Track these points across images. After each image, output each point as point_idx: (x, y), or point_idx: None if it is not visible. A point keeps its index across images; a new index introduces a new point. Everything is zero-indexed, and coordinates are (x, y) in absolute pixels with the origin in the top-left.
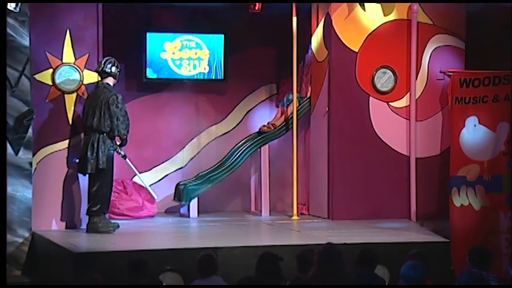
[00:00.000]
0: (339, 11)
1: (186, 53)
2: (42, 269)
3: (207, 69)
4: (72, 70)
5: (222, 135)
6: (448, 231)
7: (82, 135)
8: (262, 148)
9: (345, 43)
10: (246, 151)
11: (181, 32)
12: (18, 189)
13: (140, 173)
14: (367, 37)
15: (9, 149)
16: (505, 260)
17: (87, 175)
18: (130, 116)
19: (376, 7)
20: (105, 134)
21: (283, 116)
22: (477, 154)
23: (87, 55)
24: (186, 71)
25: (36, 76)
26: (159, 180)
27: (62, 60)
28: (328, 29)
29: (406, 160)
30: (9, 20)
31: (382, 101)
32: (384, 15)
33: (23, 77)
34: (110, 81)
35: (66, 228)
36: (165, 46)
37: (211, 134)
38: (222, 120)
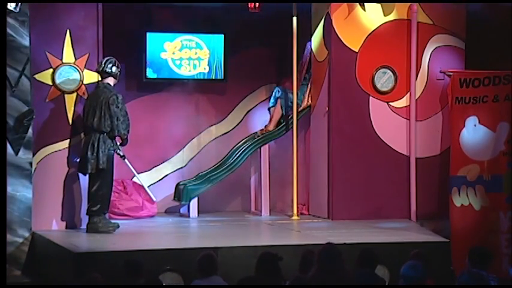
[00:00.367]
0: (339, 11)
1: (186, 53)
2: (42, 269)
3: (207, 69)
4: (72, 70)
5: (222, 135)
6: (448, 231)
7: (82, 135)
8: (262, 148)
9: (345, 43)
10: (246, 151)
11: (181, 32)
12: (18, 189)
13: (140, 173)
14: (367, 37)
15: (9, 149)
16: (505, 260)
17: (87, 175)
18: (130, 116)
19: (376, 7)
20: (105, 134)
21: (273, 119)
22: (477, 154)
23: (87, 55)
24: (186, 71)
25: (36, 76)
26: (159, 180)
27: (62, 60)
28: (328, 29)
29: (406, 160)
30: (9, 20)
31: (382, 101)
32: (384, 15)
33: (23, 77)
34: (111, 81)
35: (66, 228)
36: (165, 46)
37: (211, 134)
38: (222, 120)
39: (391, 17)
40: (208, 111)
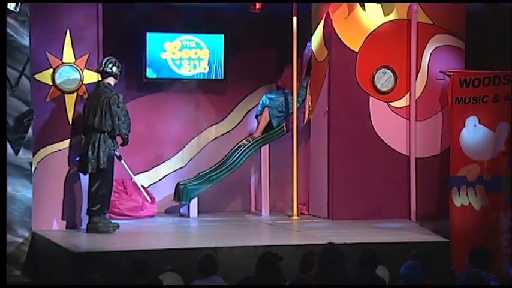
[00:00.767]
0: (339, 11)
1: (186, 53)
2: (42, 269)
3: (207, 69)
4: (72, 70)
5: (222, 135)
6: (448, 231)
7: (82, 135)
8: (262, 148)
9: (345, 43)
10: (246, 151)
11: (181, 32)
12: (18, 189)
13: (140, 173)
14: (367, 37)
15: (9, 149)
16: (505, 260)
17: (87, 175)
18: (130, 116)
19: (376, 7)
20: (106, 134)
21: (260, 126)
22: (477, 154)
23: (87, 55)
24: (186, 71)
25: (36, 76)
26: (159, 180)
27: (62, 60)
28: (328, 29)
29: (406, 160)
30: (9, 20)
31: (382, 101)
32: (384, 15)
33: (23, 77)
34: (111, 81)
35: (66, 228)
36: (165, 46)
37: (211, 134)
38: (222, 120)
39: (391, 17)
40: (208, 111)
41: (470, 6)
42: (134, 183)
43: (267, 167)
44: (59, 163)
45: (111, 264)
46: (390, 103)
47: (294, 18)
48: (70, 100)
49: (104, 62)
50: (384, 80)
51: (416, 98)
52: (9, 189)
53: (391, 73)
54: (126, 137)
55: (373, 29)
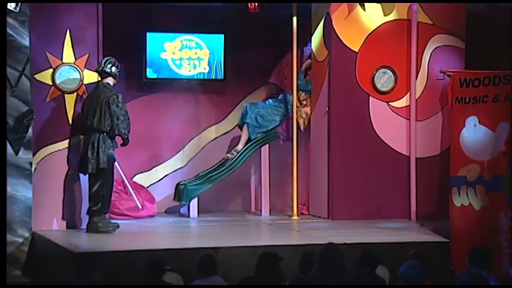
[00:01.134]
0: (339, 11)
1: (186, 53)
2: (42, 269)
3: (207, 69)
4: (72, 70)
5: (222, 135)
6: (448, 231)
7: (80, 135)
8: (262, 148)
9: (345, 43)
10: (246, 151)
11: (181, 32)
12: (18, 189)
13: (140, 173)
14: (367, 37)
15: (9, 149)
16: (505, 260)
17: (87, 175)
18: (130, 116)
19: (376, 7)
20: (105, 134)
21: (242, 140)
22: (477, 154)
23: (87, 55)
24: (186, 71)
25: (36, 76)
26: (159, 180)
27: (62, 60)
28: (328, 29)
29: (406, 160)
30: (9, 20)
31: (382, 101)
32: (384, 15)
33: (23, 77)
34: (110, 81)
35: (67, 228)
36: (165, 46)
37: (211, 134)
38: (222, 120)
39: (391, 17)
40: (208, 111)
41: (470, 6)
42: (134, 183)
43: (267, 167)
44: (59, 163)
45: (111, 265)
46: (390, 103)
47: (294, 18)
48: (70, 100)
49: (103, 62)
50: (384, 80)
51: (416, 98)
52: (9, 189)
53: (391, 73)
54: (126, 136)
55: (373, 29)
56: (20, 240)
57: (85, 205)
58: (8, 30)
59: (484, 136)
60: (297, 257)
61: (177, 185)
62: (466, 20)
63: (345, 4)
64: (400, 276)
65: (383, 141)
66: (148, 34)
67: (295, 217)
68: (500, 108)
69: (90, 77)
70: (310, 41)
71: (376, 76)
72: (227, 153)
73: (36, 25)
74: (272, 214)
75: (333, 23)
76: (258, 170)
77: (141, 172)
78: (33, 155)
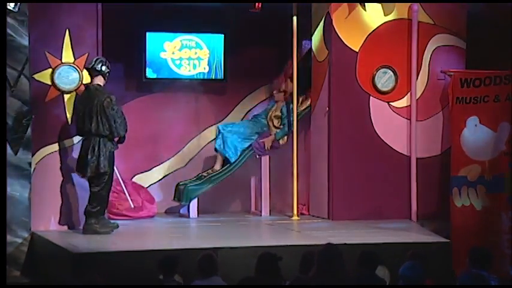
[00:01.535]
0: (339, 10)
1: (185, 53)
2: (42, 270)
3: (207, 69)
4: (71, 70)
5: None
6: (448, 232)
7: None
8: None
9: (345, 43)
10: (246, 151)
11: (181, 32)
12: (17, 189)
13: (140, 173)
14: (367, 37)
15: (8, 149)
16: (506, 261)
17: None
18: (129, 116)
19: (376, 6)
20: (105, 137)
21: (218, 160)
22: (478, 154)
23: (86, 55)
24: (185, 71)
25: (35, 76)
26: (159, 181)
27: (61, 60)
28: (329, 29)
29: (406, 160)
30: (9, 20)
31: (382, 100)
32: (384, 15)
33: (22, 76)
34: (100, 81)
35: (66, 228)
36: (165, 46)
37: (211, 134)
38: (222, 120)
39: (392, 16)
40: (208, 111)
41: (471, 5)
42: (134, 184)
43: (267, 167)
44: (58, 163)
45: (110, 265)
46: (391, 103)
47: (294, 18)
48: (69, 100)
49: (94, 60)
50: (385, 79)
51: (417, 98)
52: (8, 189)
53: (391, 73)
54: (123, 135)
55: (373, 28)
56: (19, 240)
57: (84, 205)
58: (7, 30)
59: (484, 136)
60: (296, 257)
61: (177, 185)
62: (466, 20)
63: (345, 4)
64: (400, 277)
65: (383, 141)
66: (147, 34)
67: (295, 217)
68: (501, 108)
69: (90, 77)
70: (310, 38)
71: (376, 76)
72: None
73: (35, 25)
74: (272, 214)
75: (333, 23)
76: (258, 170)
77: (141, 172)
78: (32, 155)
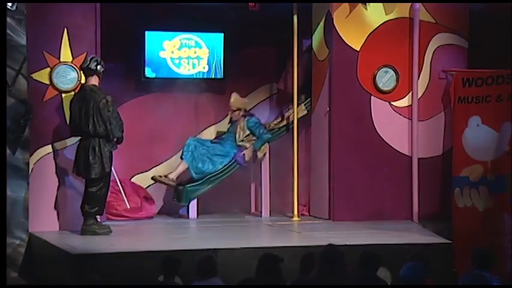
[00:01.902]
0: (340, 9)
1: (185, 52)
2: (39, 271)
3: (207, 68)
4: (69, 69)
5: (222, 135)
6: (450, 233)
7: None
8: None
9: (346, 42)
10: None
11: (181, 31)
12: (15, 190)
13: (139, 173)
14: (368, 36)
15: (7, 149)
16: (508, 262)
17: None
18: (128, 116)
19: (377, 5)
20: (103, 138)
21: (177, 171)
22: (480, 154)
23: (85, 54)
24: (185, 70)
25: (33, 75)
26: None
27: (59, 59)
28: (329, 28)
29: (408, 160)
30: (6, 19)
31: (383, 100)
32: (386, 14)
33: (19, 76)
34: (95, 81)
35: (64, 229)
36: (164, 45)
37: (211, 134)
38: (221, 120)
39: (393, 15)
40: (207, 111)
41: (473, 4)
42: (133, 184)
43: (267, 168)
44: (56, 163)
45: (108, 266)
46: (392, 103)
47: (295, 17)
48: (67, 100)
49: (89, 59)
50: (386, 79)
51: (418, 97)
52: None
53: (393, 72)
54: (118, 136)
55: (374, 27)
56: (17, 241)
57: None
58: None
59: (487, 136)
60: (297, 258)
61: (177, 185)
62: (468, 19)
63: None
64: (401, 278)
65: (385, 141)
66: (146, 33)
67: (295, 218)
68: (503, 108)
69: (84, 76)
70: (311, 37)
71: (377, 75)
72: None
73: (33, 24)
74: (272, 215)
75: (334, 22)
76: (258, 170)
77: (140, 172)
78: (30, 155)
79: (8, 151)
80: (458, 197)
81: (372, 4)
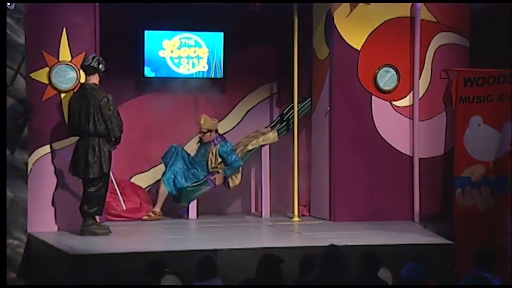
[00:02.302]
0: (340, 8)
1: (184, 51)
2: (38, 272)
3: (206, 67)
4: (68, 69)
5: (222, 135)
6: (452, 233)
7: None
8: (262, 148)
9: (347, 41)
10: (246, 152)
11: (180, 30)
12: (14, 190)
13: (139, 173)
14: (369, 35)
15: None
16: (510, 262)
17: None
18: (128, 115)
19: (378, 4)
20: (103, 137)
21: (159, 202)
22: (482, 154)
23: (84, 54)
24: (184, 70)
25: (32, 75)
26: (158, 181)
27: (58, 58)
28: (330, 27)
29: (409, 160)
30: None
31: (384, 100)
32: (386, 13)
33: (18, 75)
34: (96, 80)
35: (63, 229)
36: (164, 44)
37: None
38: (221, 119)
39: (394, 14)
40: (207, 111)
41: (474, 4)
42: (132, 184)
43: (267, 168)
44: (55, 163)
45: (107, 267)
46: (393, 102)
47: (295, 16)
48: (66, 99)
49: (90, 58)
50: (387, 78)
51: (419, 97)
52: None
53: (394, 72)
54: (118, 136)
55: (375, 26)
56: (16, 242)
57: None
58: None
59: (488, 136)
60: (297, 259)
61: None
62: (470, 18)
63: None
64: (402, 279)
65: (386, 141)
66: (146, 32)
67: (296, 218)
68: (505, 108)
69: (85, 75)
70: (311, 39)
71: (378, 75)
72: None
73: (31, 23)
74: (272, 215)
75: (335, 21)
76: (259, 170)
77: (140, 173)
78: (29, 155)
79: (7, 151)
80: (460, 197)
81: (372, 3)
